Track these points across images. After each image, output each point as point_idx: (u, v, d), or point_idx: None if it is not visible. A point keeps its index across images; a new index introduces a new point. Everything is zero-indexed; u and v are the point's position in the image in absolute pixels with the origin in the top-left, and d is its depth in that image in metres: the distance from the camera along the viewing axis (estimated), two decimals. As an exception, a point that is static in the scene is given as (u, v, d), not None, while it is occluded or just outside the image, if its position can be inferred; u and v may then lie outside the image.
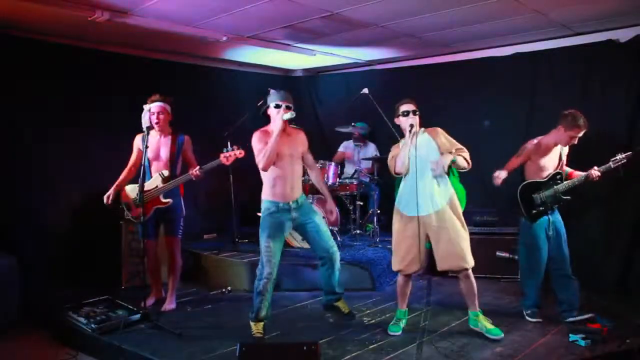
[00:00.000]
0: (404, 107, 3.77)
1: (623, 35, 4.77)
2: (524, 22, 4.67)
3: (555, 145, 4.04)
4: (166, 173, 4.22)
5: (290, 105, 3.73)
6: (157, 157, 4.26)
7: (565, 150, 4.14)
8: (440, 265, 3.70)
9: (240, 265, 5.14)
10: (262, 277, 3.72)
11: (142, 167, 3.97)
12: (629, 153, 3.98)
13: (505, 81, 5.53)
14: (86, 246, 5.13)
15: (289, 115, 3.65)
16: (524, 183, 4.09)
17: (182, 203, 4.40)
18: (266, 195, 3.78)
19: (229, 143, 4.02)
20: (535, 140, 4.06)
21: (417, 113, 3.76)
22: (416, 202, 3.61)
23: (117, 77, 5.46)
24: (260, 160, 3.63)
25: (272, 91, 3.77)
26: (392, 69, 6.66)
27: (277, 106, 3.68)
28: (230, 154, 3.97)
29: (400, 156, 3.72)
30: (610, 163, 3.98)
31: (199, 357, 3.48)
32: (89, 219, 5.14)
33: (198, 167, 4.15)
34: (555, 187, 4.02)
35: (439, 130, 3.79)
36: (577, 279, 4.07)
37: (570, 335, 3.65)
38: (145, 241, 4.22)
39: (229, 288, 5.00)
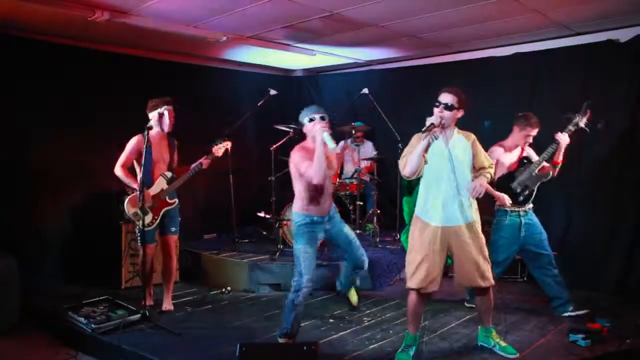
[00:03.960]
0: (439, 97, 3.26)
1: (623, 35, 4.77)
2: (524, 22, 4.67)
3: (516, 147, 4.19)
4: (169, 175, 4.27)
5: (325, 115, 3.61)
6: (159, 159, 4.26)
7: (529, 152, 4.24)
8: (460, 281, 3.39)
9: (240, 265, 5.13)
10: (302, 286, 3.55)
11: (161, 169, 4.16)
12: (584, 108, 3.96)
13: (505, 81, 5.53)
14: (86, 246, 5.13)
15: (328, 135, 3.46)
16: (497, 179, 4.13)
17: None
18: (299, 209, 3.69)
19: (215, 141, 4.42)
20: (498, 147, 4.18)
21: (452, 108, 3.21)
22: (453, 211, 3.25)
23: (117, 77, 5.46)
24: (314, 175, 3.41)
25: (305, 109, 3.67)
26: (392, 69, 6.66)
27: (311, 120, 3.58)
28: (219, 146, 4.37)
29: (413, 159, 3.14)
30: (570, 126, 3.97)
31: (199, 357, 3.48)
32: (89, 219, 5.15)
33: (205, 156, 4.31)
34: (527, 168, 4.09)
35: (475, 138, 3.37)
36: (560, 275, 4.17)
37: (570, 335, 3.66)
38: (145, 246, 4.18)
39: (229, 288, 5.00)
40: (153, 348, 3.52)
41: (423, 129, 3.12)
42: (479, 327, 3.60)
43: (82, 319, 3.87)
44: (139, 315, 3.98)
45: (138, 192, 3.99)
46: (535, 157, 4.15)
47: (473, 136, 3.38)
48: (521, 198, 4.11)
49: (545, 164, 4.05)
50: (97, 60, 5.39)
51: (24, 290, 4.24)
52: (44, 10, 4.11)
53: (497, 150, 4.17)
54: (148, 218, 4.14)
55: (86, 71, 5.28)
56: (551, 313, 4.19)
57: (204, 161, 4.28)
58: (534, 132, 4.11)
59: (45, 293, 4.69)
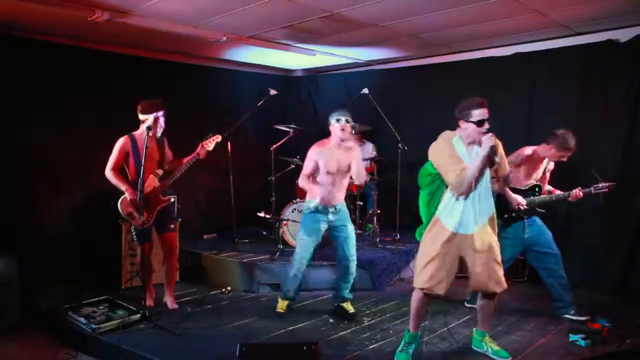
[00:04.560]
0: (480, 113, 3.11)
1: (623, 35, 4.77)
2: (524, 22, 4.67)
3: (544, 159, 4.21)
4: (160, 172, 4.24)
5: (349, 119, 4.01)
6: (149, 159, 4.21)
7: (551, 166, 4.30)
8: (474, 287, 3.36)
9: (241, 266, 5.13)
10: (293, 269, 4.21)
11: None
12: (611, 183, 4.06)
13: (505, 81, 5.53)
14: (86, 246, 5.13)
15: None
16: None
17: None
18: (309, 196, 4.14)
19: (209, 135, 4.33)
20: (530, 150, 4.16)
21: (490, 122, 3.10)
22: (470, 218, 3.19)
23: (117, 77, 5.46)
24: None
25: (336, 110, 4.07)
26: (392, 69, 6.66)
27: (337, 120, 3.99)
28: (209, 140, 4.29)
29: (471, 177, 3.08)
30: (592, 188, 4.08)
31: (199, 357, 3.48)
32: (89, 219, 5.15)
33: (200, 146, 4.25)
34: (532, 197, 4.15)
35: (499, 143, 3.25)
36: (567, 278, 4.15)
37: (570, 335, 3.66)
38: (144, 244, 4.21)
39: (229, 288, 5.00)
40: (153, 348, 3.52)
41: (484, 154, 3.08)
42: (475, 329, 3.57)
43: (82, 319, 3.87)
44: (139, 315, 3.98)
45: (129, 193, 4.04)
46: (547, 187, 4.27)
47: (497, 141, 3.23)
48: (506, 216, 4.15)
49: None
50: (97, 60, 5.39)
51: (24, 290, 4.24)
52: (44, 10, 4.11)
53: (525, 152, 4.14)
54: (138, 220, 4.13)
55: (86, 71, 5.27)
56: (551, 313, 4.20)
57: (201, 151, 4.21)
58: (570, 153, 4.07)
59: (45, 293, 4.68)
